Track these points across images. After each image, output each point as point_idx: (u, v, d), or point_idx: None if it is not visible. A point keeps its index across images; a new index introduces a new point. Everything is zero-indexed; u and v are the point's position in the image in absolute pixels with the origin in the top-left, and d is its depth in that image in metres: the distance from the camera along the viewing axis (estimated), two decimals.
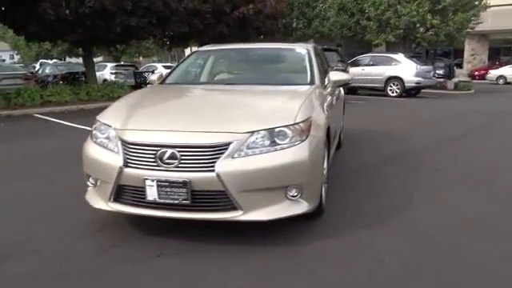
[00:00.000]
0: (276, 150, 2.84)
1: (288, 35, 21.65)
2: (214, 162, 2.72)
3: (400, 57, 16.12)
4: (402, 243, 2.97)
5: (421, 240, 3.02)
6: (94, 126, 3.23)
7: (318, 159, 3.08)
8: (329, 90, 4.09)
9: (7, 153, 6.25)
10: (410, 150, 6.10)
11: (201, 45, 12.73)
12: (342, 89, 6.06)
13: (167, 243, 3.00)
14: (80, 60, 30.70)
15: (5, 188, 4.40)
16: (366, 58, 17.17)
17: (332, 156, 4.51)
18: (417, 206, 3.74)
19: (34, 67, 26.43)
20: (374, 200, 3.90)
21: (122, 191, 2.94)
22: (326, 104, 3.81)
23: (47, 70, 19.80)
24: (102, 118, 3.25)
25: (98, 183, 3.11)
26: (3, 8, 12.57)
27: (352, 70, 15.88)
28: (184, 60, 4.67)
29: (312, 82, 3.93)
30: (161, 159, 2.77)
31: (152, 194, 2.81)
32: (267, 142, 2.85)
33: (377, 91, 16.06)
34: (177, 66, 4.58)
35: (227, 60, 4.76)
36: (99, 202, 3.07)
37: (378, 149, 6.19)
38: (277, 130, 2.88)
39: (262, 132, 2.85)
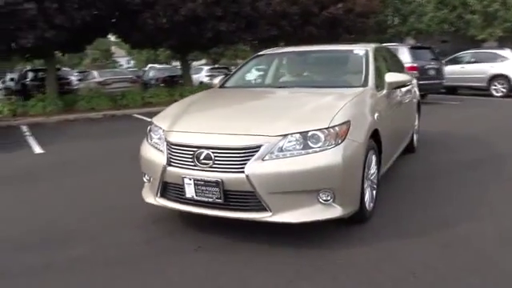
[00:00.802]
0: (308, 153, 2.86)
1: (381, 33, 20.86)
2: (245, 164, 2.83)
3: (507, 53, 14.58)
4: (441, 258, 2.78)
5: (464, 256, 2.80)
6: (149, 127, 3.53)
7: (356, 164, 3.02)
8: (384, 92, 3.94)
9: (98, 148, 7.01)
10: (494, 157, 5.56)
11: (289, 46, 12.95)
12: (415, 90, 5.77)
13: (207, 238, 3.19)
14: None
15: (82, 180, 4.99)
16: (466, 55, 15.84)
17: (391, 160, 4.36)
18: (477, 218, 3.45)
19: (144, 71, 28.93)
20: (431, 209, 3.67)
21: (167, 188, 3.19)
22: (379, 107, 3.70)
23: (151, 74, 21.53)
24: (156, 120, 3.55)
25: (151, 180, 3.40)
26: (113, 20, 14.01)
27: (449, 68, 14.82)
28: (244, 64, 4.85)
29: (365, 85, 3.84)
30: (198, 159, 2.96)
31: (190, 191, 3.01)
32: (300, 146, 2.89)
33: (479, 91, 14.73)
34: (237, 70, 4.78)
35: (283, 63, 4.82)
36: (150, 196, 3.36)
37: (458, 154, 5.74)
38: (310, 133, 2.90)
39: (295, 135, 2.90)
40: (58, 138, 8.54)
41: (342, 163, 2.86)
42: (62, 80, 18.01)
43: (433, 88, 12.88)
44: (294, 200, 2.87)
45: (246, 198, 2.89)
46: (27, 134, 9.23)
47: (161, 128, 3.35)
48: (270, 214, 2.86)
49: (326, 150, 2.87)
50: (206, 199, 2.97)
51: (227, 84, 4.54)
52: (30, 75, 17.82)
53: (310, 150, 2.87)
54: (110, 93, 15.04)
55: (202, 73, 21.41)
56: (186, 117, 3.42)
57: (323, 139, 2.89)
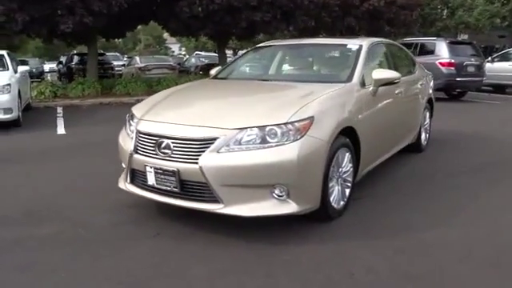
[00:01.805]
0: (264, 148, 2.85)
1: (427, 27, 19.96)
2: (200, 155, 2.87)
3: None
4: (388, 262, 2.69)
5: (413, 263, 2.69)
6: (128, 115, 3.64)
7: (315, 161, 2.96)
8: (371, 89, 3.81)
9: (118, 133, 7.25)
10: (506, 163, 5.24)
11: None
12: (426, 87, 5.52)
13: (169, 226, 3.27)
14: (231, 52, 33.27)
15: (87, 163, 5.22)
16: None
17: (380, 160, 4.24)
18: (449, 226, 3.28)
19: (187, 59, 29.49)
20: (407, 213, 3.54)
21: (135, 175, 3.29)
22: (360, 104, 3.60)
23: (192, 61, 21.94)
24: (134, 108, 3.65)
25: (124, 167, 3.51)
26: (154, 8, 14.37)
27: (498, 65, 14.03)
28: (242, 56, 4.85)
29: (349, 80, 3.73)
30: (159, 148, 3.03)
31: (151, 179, 3.10)
32: (258, 140, 2.88)
33: None
34: (232, 62, 4.79)
35: (275, 57, 4.76)
36: (122, 182, 3.48)
37: (469, 157, 5.44)
38: (268, 128, 2.89)
39: (254, 129, 2.89)
40: (85, 121, 8.95)
41: (296, 159, 2.83)
42: (105, 65, 18.81)
43: (472, 86, 12.25)
44: (247, 193, 2.88)
45: (200, 188, 2.93)
46: (59, 115, 9.72)
47: (135, 116, 3.45)
48: (222, 206, 2.88)
49: (283, 145, 2.85)
50: (164, 187, 3.05)
51: (220, 75, 4.56)
52: (76, 59, 18.69)
53: (267, 145, 2.86)
54: (148, 78, 15.49)
55: None
56: (158, 106, 3.50)
57: (280, 134, 2.87)
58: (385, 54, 4.62)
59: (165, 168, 2.98)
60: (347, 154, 3.42)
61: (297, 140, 2.88)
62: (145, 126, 3.21)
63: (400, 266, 2.64)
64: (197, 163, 2.85)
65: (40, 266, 2.71)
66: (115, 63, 20.99)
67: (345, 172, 3.43)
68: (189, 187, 2.96)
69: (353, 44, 4.24)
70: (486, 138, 6.60)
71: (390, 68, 4.53)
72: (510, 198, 3.95)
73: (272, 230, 3.15)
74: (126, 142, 3.39)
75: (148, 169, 3.08)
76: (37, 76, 22.15)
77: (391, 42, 5.31)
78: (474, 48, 12.35)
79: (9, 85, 7.89)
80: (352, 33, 17.02)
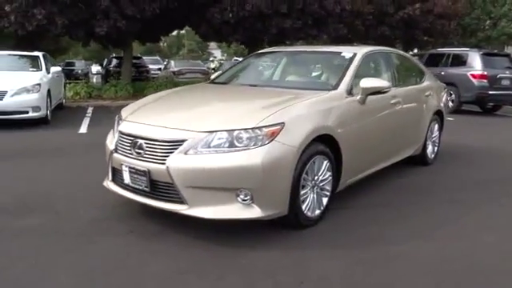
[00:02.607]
0: (231, 151, 2.90)
1: (467, 37, 19.27)
2: (168, 156, 2.95)
3: None
4: (344, 272, 2.65)
5: (371, 275, 2.63)
6: (117, 115, 3.79)
7: (282, 167, 2.96)
8: (358, 97, 3.76)
9: None
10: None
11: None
12: (434, 99, 5.36)
13: (143, 224, 3.36)
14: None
15: (96, 160, 5.43)
16: None
17: (371, 170, 4.17)
18: (425, 240, 3.18)
19: (221, 64, 29.92)
20: (388, 225, 3.46)
21: (115, 173, 3.42)
22: (343, 112, 3.57)
23: (225, 66, 22.25)
24: (123, 109, 3.79)
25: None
26: (187, 13, 14.75)
27: None
28: (241, 61, 4.92)
29: (335, 88, 3.72)
30: (134, 148, 3.14)
31: (127, 178, 3.21)
32: (226, 144, 2.92)
33: None
34: (232, 66, 4.87)
35: (269, 63, 4.79)
36: (105, 181, 3.62)
37: (479, 172, 5.21)
38: (236, 132, 2.93)
39: (223, 133, 2.94)
40: (108, 121, 9.24)
41: (260, 164, 2.85)
42: (141, 68, 19.44)
43: (507, 99, 11.69)
44: (212, 196, 2.92)
45: (168, 189, 3.00)
46: (88, 115, 10.16)
47: (121, 117, 3.59)
48: (187, 207, 2.95)
49: (248, 150, 2.89)
50: (137, 187, 3.15)
51: (217, 79, 4.66)
52: (114, 62, 19.43)
53: (233, 149, 2.90)
54: (180, 82, 15.87)
55: None
56: (143, 108, 3.62)
57: (247, 139, 2.91)
58: (383, 63, 4.55)
59: (137, 168, 3.09)
60: (325, 162, 3.39)
61: (263, 145, 2.90)
62: (125, 127, 3.34)
63: (354, 277, 2.60)
64: (165, 164, 2.94)
65: (7, 254, 2.86)
66: (153, 67, 21.62)
67: (322, 180, 3.41)
68: (158, 187, 3.05)
69: (347, 52, 4.21)
70: (503, 155, 6.31)
71: (387, 77, 4.47)
72: (500, 218, 3.76)
73: (242, 234, 3.18)
74: (109, 141, 3.53)
75: (124, 168, 3.20)
76: (81, 77, 23.20)
77: (394, 51, 5.21)
78: (510, 60, 11.81)
79: (38, 84, 8.35)
80: (386, 41, 16.72)
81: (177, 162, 2.91)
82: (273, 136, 2.94)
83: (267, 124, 2.96)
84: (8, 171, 4.99)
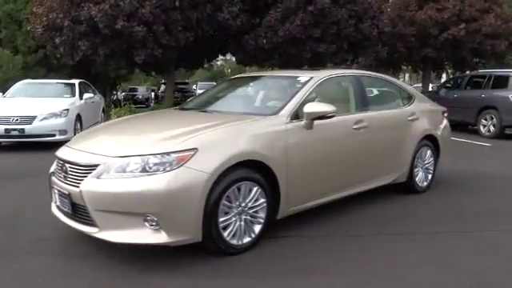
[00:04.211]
0: (141, 176, 2.92)
1: None
2: (82, 180, 3.04)
3: None
4: None
5: None
6: None
7: (191, 192, 2.91)
8: (302, 123, 3.63)
9: None
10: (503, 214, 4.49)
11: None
12: (422, 122, 5.02)
13: (79, 246, 3.44)
14: None
15: None
16: None
17: (327, 198, 3.98)
18: (348, 273, 2.96)
19: None
20: (322, 257, 3.26)
21: (54, 195, 3.56)
22: (280, 137, 3.46)
23: None
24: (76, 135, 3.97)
25: None
26: (225, 40, 15.25)
27: None
28: (211, 88, 4.98)
29: (276, 113, 3.63)
30: (61, 172, 3.28)
31: (56, 200, 3.34)
32: (139, 169, 2.95)
33: None
34: (201, 94, 4.94)
35: (230, 88, 4.76)
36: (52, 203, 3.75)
37: (474, 203, 4.72)
38: (146, 157, 2.96)
39: (136, 158, 2.98)
40: None
41: (164, 190, 2.84)
42: (187, 92, 20.26)
43: None
44: (122, 220, 2.95)
45: (84, 211, 3.07)
46: None
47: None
48: (97, 230, 3.00)
49: (155, 175, 2.89)
50: (64, 209, 3.26)
51: (186, 105, 4.74)
52: (162, 87, 20.42)
53: (144, 174, 2.92)
54: None
55: None
56: (82, 133, 3.79)
57: (156, 164, 2.92)
58: (349, 87, 4.37)
59: (62, 190, 3.21)
60: (255, 188, 3.30)
61: (171, 170, 2.90)
62: (60, 151, 3.49)
63: None
64: (79, 187, 3.03)
65: None
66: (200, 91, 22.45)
67: (252, 207, 3.31)
68: (78, 210, 3.13)
69: (304, 77, 4.11)
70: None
71: (352, 101, 4.30)
72: (441, 255, 3.38)
73: (160, 259, 3.15)
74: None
75: (54, 190, 3.34)
76: (143, 102, 24.55)
77: (369, 74, 4.95)
78: None
79: (67, 110, 9.01)
80: (433, 64, 16.05)
81: (89, 186, 2.98)
82: (182, 161, 2.93)
83: (176, 150, 2.96)
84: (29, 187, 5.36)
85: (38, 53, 16.19)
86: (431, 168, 5.26)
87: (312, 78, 4.04)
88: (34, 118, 8.52)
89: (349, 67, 15.93)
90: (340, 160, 4.00)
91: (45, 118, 8.60)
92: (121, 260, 3.15)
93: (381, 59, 15.59)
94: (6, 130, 8.36)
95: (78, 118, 9.45)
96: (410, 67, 20.08)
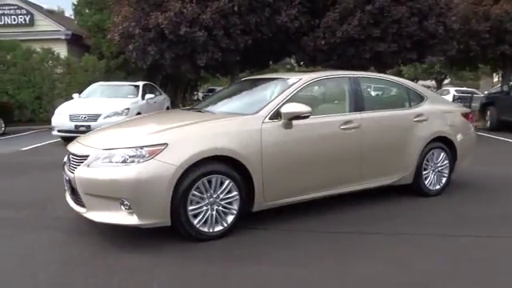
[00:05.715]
0: (119, 166, 3.40)
1: None
2: (77, 168, 3.60)
3: None
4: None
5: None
6: None
7: (159, 182, 3.32)
8: (281, 122, 3.86)
9: None
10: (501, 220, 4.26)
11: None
12: (429, 123, 4.91)
13: (83, 224, 4.03)
14: None
15: None
16: None
17: (313, 194, 4.17)
18: (319, 268, 3.14)
19: None
20: (295, 251, 3.47)
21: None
22: (255, 135, 3.74)
23: None
24: None
25: None
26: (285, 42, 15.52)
27: None
28: (221, 90, 5.36)
29: (256, 112, 3.91)
30: (68, 161, 3.88)
31: (65, 185, 3.95)
32: (121, 160, 3.44)
33: None
34: (213, 95, 5.34)
35: (231, 90, 5.06)
36: None
37: (484, 207, 4.54)
38: (125, 150, 3.43)
39: (118, 150, 3.47)
40: None
41: (134, 179, 3.29)
42: None
43: None
44: (103, 203, 3.46)
45: (78, 194, 3.63)
46: None
47: None
48: (85, 210, 3.54)
49: (129, 165, 3.35)
50: (68, 192, 3.86)
51: (195, 106, 5.18)
52: None
53: (123, 164, 3.40)
54: None
55: (448, 95, 22.11)
56: (95, 130, 4.37)
57: (131, 156, 3.38)
58: (341, 88, 4.47)
59: (66, 177, 3.81)
60: (227, 181, 3.61)
61: (143, 162, 3.34)
62: (70, 145, 4.10)
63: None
64: (74, 174, 3.59)
65: None
66: None
67: (224, 199, 3.62)
68: (76, 193, 3.70)
69: (293, 79, 4.31)
70: None
71: (344, 102, 4.41)
72: (408, 256, 3.36)
73: (142, 244, 3.59)
74: None
75: (65, 177, 3.95)
76: None
77: (370, 75, 4.96)
78: None
79: (128, 109, 10.02)
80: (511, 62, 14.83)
81: (80, 173, 3.53)
82: (153, 154, 3.36)
83: (148, 144, 3.40)
84: None
85: (119, 58, 17.81)
86: (445, 171, 5.10)
87: (300, 79, 4.23)
88: (98, 115, 9.63)
89: (414, 66, 15.35)
90: (323, 159, 4.13)
91: (108, 116, 9.64)
92: (113, 238, 3.66)
93: (453, 58, 14.77)
94: (75, 126, 9.58)
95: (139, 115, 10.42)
96: (488, 66, 18.65)
